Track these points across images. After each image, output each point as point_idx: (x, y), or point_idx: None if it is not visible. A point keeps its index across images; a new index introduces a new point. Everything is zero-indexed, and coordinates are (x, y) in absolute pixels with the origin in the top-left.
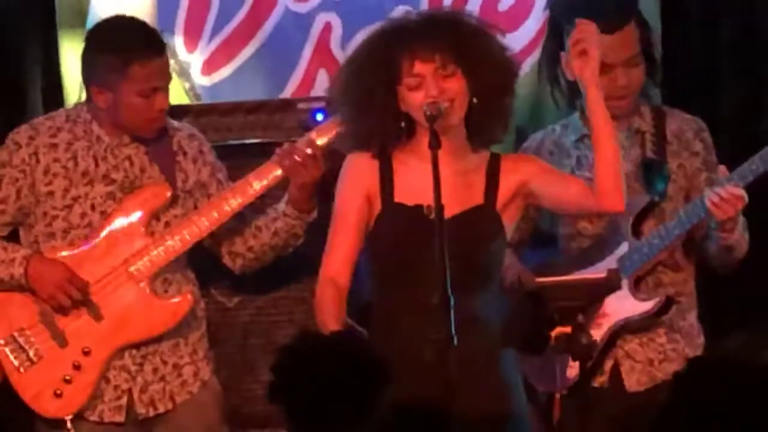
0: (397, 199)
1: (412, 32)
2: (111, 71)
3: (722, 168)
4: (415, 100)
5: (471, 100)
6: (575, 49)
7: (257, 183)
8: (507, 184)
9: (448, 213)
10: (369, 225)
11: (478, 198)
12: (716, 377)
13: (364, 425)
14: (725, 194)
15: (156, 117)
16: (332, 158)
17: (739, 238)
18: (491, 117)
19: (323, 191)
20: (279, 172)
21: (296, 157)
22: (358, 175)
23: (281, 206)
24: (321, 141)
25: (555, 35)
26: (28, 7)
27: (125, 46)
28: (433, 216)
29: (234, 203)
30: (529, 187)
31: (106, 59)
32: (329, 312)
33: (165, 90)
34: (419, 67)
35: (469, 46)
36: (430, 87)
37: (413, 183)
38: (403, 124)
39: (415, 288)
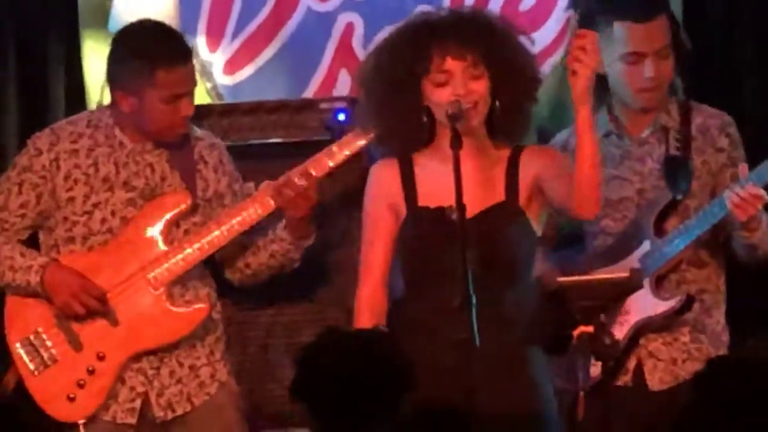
0: (421, 203)
1: (446, 28)
2: (136, 76)
3: (742, 166)
4: (440, 97)
5: (493, 104)
6: (570, 63)
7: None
8: (525, 177)
9: (470, 212)
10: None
11: (500, 195)
12: (737, 377)
13: (387, 425)
14: (744, 194)
15: (180, 123)
16: (357, 169)
17: (763, 236)
18: (512, 120)
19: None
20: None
21: (289, 192)
22: (381, 186)
23: (279, 230)
24: (346, 152)
25: (586, 27)
26: (51, 6)
27: (151, 52)
28: (454, 216)
29: (254, 214)
30: (541, 180)
31: (132, 64)
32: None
33: (190, 97)
34: (450, 64)
35: (500, 50)
36: (458, 85)
37: (435, 185)
38: (425, 119)
39: (439, 289)
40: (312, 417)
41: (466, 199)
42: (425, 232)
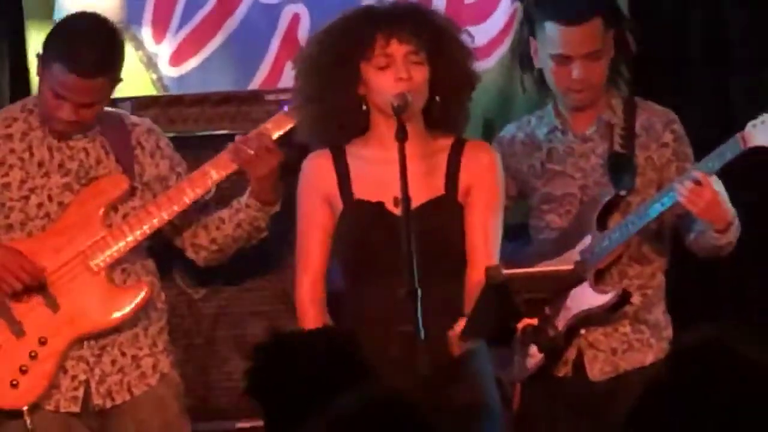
0: (357, 196)
1: (391, 16)
2: (46, 52)
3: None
4: (381, 81)
5: (432, 96)
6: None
7: (215, 173)
8: (464, 179)
9: (412, 204)
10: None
11: (439, 188)
12: (696, 366)
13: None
14: (690, 184)
15: (58, 120)
16: (294, 150)
17: (732, 239)
18: (451, 113)
19: (286, 183)
20: (235, 165)
21: (249, 150)
22: (315, 178)
23: (244, 198)
24: (276, 133)
25: (528, 22)
26: None
27: (63, 45)
28: (398, 210)
29: (191, 194)
30: (467, 201)
31: (50, 41)
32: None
33: (73, 105)
34: (394, 47)
35: (441, 43)
36: (401, 69)
37: (370, 177)
38: (364, 107)
39: (382, 282)
40: (266, 413)
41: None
42: (364, 226)
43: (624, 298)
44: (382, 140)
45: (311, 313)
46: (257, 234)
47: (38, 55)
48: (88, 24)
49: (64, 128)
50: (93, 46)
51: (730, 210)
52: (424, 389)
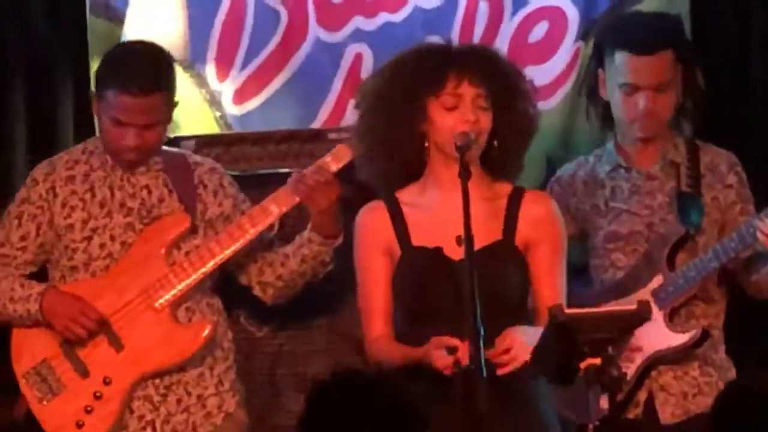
0: (415, 243)
1: (467, 54)
2: (97, 86)
3: None
4: (447, 121)
5: (492, 142)
6: None
7: (275, 208)
8: (523, 228)
9: (461, 253)
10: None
11: (497, 233)
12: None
13: None
14: None
15: (121, 149)
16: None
17: None
18: (509, 161)
19: (345, 218)
20: (296, 199)
21: (309, 183)
22: (372, 232)
23: (306, 233)
24: (336, 166)
25: (596, 55)
26: (62, 35)
27: (113, 68)
28: (458, 252)
29: (252, 230)
30: (529, 255)
31: (100, 72)
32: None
33: (135, 128)
34: (465, 89)
35: (508, 89)
36: (469, 111)
37: (427, 223)
38: (426, 144)
39: (442, 324)
40: None
41: (455, 243)
42: (423, 271)
43: (703, 337)
44: (440, 182)
45: (383, 343)
46: (322, 268)
47: (91, 94)
48: (133, 47)
49: (131, 156)
50: (142, 63)
51: None
52: (485, 428)
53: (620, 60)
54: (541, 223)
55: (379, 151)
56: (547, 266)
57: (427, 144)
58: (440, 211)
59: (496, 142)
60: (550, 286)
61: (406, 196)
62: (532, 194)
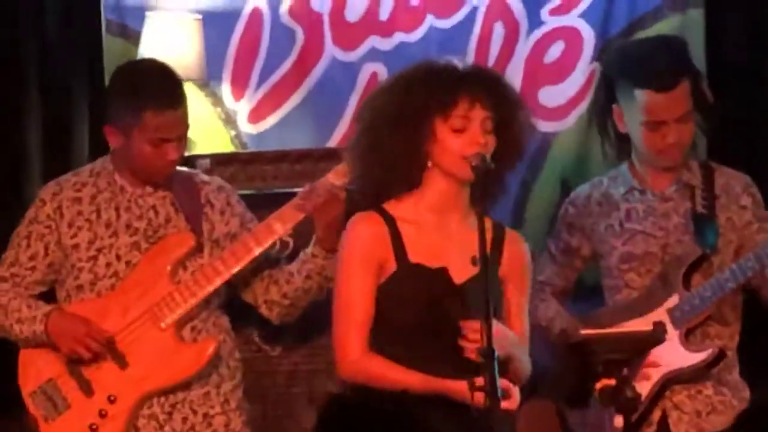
0: (413, 260)
1: (479, 77)
2: (124, 115)
3: None
4: (454, 143)
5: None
6: None
7: (279, 226)
8: (505, 263)
9: (463, 275)
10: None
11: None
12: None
13: None
14: None
15: (165, 166)
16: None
17: None
18: (497, 187)
19: None
20: (300, 216)
21: (317, 197)
22: (370, 244)
23: (310, 248)
24: (338, 182)
25: (606, 88)
26: (77, 55)
27: (141, 92)
28: (461, 276)
29: (256, 248)
30: (509, 280)
31: (121, 102)
32: (384, 367)
33: (177, 141)
34: (476, 112)
35: (512, 116)
36: (478, 133)
37: (425, 242)
38: (430, 164)
39: (434, 344)
40: None
41: (457, 260)
42: (426, 290)
43: (720, 356)
44: (437, 203)
45: (375, 360)
46: (327, 283)
47: (109, 130)
48: (145, 67)
49: (170, 170)
50: (164, 78)
51: None
52: None
53: (641, 98)
54: (519, 266)
55: (378, 165)
56: (516, 310)
57: (430, 164)
58: (436, 231)
59: (492, 165)
60: (520, 317)
61: (397, 210)
62: (512, 234)
